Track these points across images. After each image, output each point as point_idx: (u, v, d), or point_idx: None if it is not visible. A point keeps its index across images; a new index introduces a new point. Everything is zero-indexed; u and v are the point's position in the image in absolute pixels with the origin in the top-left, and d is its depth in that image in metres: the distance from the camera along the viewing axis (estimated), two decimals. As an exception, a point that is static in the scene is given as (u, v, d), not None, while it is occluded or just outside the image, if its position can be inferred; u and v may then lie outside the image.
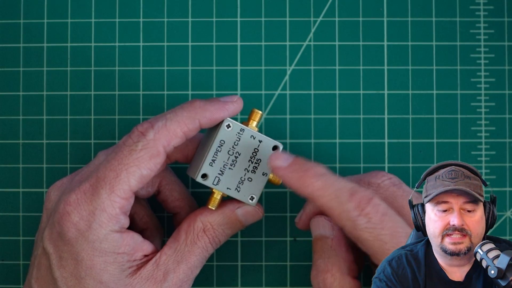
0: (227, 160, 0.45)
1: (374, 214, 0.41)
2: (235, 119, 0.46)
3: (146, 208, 0.49)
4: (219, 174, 0.45)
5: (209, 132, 0.47)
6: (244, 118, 0.50)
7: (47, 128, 0.51)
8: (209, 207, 0.45)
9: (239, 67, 0.51)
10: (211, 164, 0.45)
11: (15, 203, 0.51)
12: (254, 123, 0.45)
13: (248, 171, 0.45)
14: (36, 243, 0.45)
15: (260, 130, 0.46)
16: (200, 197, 0.51)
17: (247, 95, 0.51)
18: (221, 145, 0.45)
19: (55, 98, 0.51)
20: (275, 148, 0.45)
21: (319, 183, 0.42)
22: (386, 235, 0.41)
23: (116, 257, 0.43)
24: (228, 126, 0.45)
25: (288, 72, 0.51)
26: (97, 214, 0.42)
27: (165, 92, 0.51)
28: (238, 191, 0.45)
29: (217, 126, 0.45)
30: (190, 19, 0.51)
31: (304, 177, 0.43)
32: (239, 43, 0.51)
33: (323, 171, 0.43)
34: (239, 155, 0.45)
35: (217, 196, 0.45)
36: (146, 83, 0.51)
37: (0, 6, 0.51)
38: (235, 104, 0.45)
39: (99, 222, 0.42)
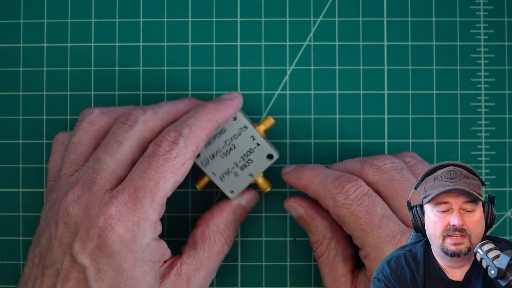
0: (222, 147, 0.47)
1: (352, 192, 0.44)
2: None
3: None
4: (209, 157, 0.47)
5: None
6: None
7: (47, 128, 0.51)
8: (196, 185, 0.48)
9: (239, 67, 0.51)
10: (206, 146, 0.47)
11: (15, 203, 0.51)
12: (262, 128, 0.48)
13: (237, 166, 0.47)
14: (51, 260, 0.43)
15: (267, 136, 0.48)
16: (200, 197, 0.51)
17: (247, 95, 0.51)
18: (222, 132, 0.47)
19: (55, 98, 0.51)
20: (270, 156, 0.47)
21: (310, 174, 0.47)
22: (361, 211, 0.44)
23: (152, 265, 0.43)
24: (235, 118, 0.47)
25: (288, 72, 0.51)
26: (141, 224, 0.43)
27: (165, 92, 0.51)
28: (222, 180, 0.47)
29: None
30: (190, 19, 0.51)
31: (299, 171, 0.47)
32: (239, 43, 0.51)
33: (317, 165, 0.48)
34: (234, 148, 0.47)
35: (205, 179, 0.48)
36: (146, 83, 0.51)
37: (0, 6, 0.51)
38: (239, 99, 0.47)
39: (143, 231, 0.43)
